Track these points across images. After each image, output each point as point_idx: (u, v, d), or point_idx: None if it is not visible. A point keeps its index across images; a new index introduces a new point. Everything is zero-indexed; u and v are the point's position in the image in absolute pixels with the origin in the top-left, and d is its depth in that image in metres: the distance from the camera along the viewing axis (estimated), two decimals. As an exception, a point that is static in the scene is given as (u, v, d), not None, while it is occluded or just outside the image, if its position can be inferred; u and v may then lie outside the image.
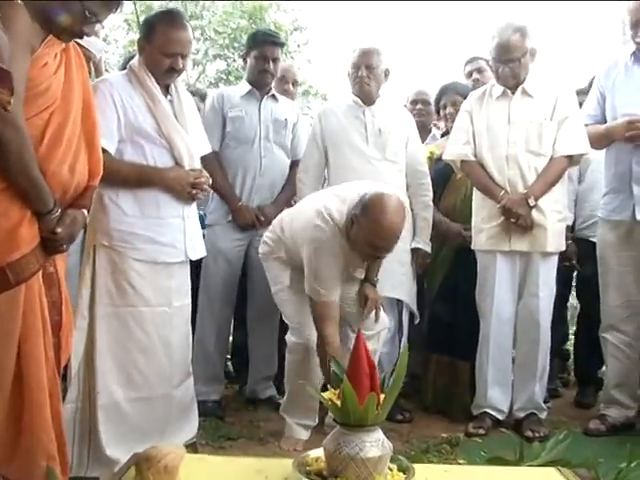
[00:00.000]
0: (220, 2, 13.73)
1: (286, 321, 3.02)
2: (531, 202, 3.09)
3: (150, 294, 2.61)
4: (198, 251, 2.82)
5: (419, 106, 4.00)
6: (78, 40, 2.65)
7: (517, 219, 3.10)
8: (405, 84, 4.47)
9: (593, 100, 3.28)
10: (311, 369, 2.85)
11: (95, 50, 2.90)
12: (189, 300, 2.80)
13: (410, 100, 4.07)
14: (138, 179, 2.60)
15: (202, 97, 3.87)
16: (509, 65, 3.13)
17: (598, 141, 3.18)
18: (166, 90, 2.70)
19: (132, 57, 2.97)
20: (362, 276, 3.01)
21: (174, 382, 2.71)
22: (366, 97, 3.34)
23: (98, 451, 2.51)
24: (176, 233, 2.68)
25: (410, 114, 3.58)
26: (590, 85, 3.41)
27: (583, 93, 3.43)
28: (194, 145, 2.74)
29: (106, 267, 2.55)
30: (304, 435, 2.97)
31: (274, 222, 3.07)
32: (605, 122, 3.20)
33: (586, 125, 3.19)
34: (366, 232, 2.57)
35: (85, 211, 2.14)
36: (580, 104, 3.28)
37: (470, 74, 4.01)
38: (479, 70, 3.88)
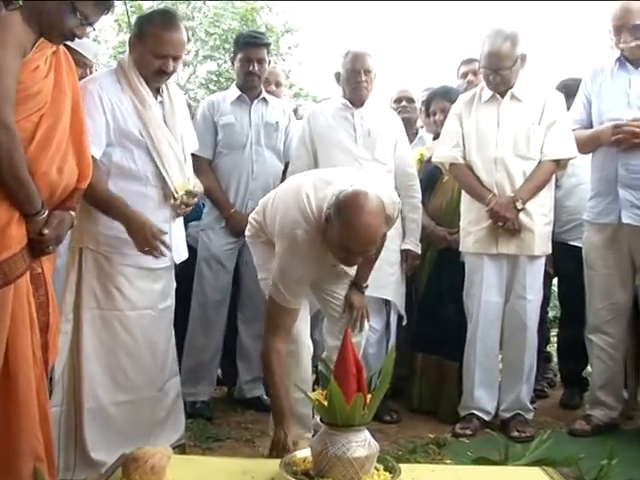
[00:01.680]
0: (211, 3, 13.73)
1: None
2: (519, 205, 3.12)
3: (136, 298, 2.60)
4: (181, 254, 2.81)
5: (403, 103, 4.01)
6: (73, 45, 2.67)
7: (504, 222, 3.12)
8: (392, 85, 4.50)
9: (579, 105, 3.31)
10: (302, 368, 2.73)
11: (90, 55, 2.86)
12: (172, 301, 2.80)
13: (394, 99, 4.08)
14: (106, 208, 2.49)
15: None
16: (500, 73, 3.15)
17: (585, 145, 3.21)
18: (157, 91, 2.66)
19: None
20: (352, 272, 2.88)
21: (159, 384, 2.71)
22: (360, 100, 3.35)
23: (84, 454, 2.51)
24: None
25: (397, 116, 3.59)
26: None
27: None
28: (183, 150, 2.69)
29: (92, 270, 2.53)
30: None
31: (261, 202, 2.84)
32: (591, 127, 3.23)
33: (573, 130, 3.22)
34: (339, 234, 2.28)
35: (73, 213, 2.14)
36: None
37: (465, 75, 4.03)
38: (474, 72, 3.88)
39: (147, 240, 2.50)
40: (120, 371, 2.59)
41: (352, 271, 2.88)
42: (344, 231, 2.26)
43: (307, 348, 2.74)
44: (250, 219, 2.87)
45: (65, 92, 2.08)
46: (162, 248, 2.54)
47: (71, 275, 2.53)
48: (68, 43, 2.56)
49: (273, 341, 2.47)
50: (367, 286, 2.89)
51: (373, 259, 2.81)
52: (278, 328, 2.49)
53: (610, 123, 3.10)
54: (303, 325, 2.73)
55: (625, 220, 3.08)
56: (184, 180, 2.67)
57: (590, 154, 3.27)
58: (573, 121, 3.27)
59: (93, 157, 2.35)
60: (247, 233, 2.89)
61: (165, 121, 2.65)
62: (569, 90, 3.41)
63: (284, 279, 2.46)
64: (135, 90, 2.58)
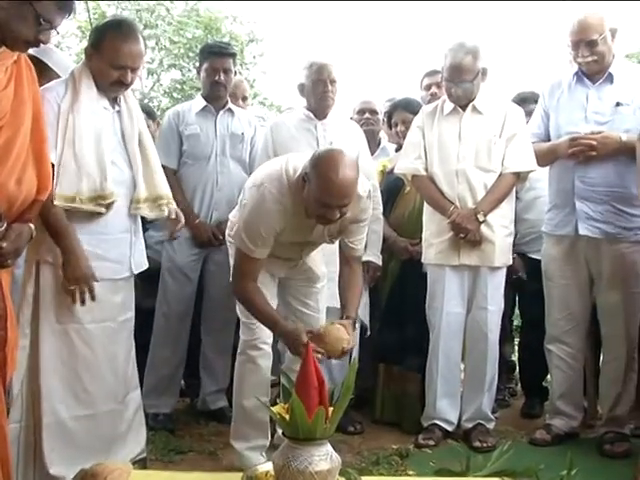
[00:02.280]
0: (175, 11, 13.68)
1: (239, 315, 2.87)
2: (480, 217, 3.16)
3: (96, 310, 2.55)
4: (141, 264, 2.77)
5: (367, 115, 4.00)
6: (48, 62, 2.63)
7: (466, 234, 3.16)
8: (354, 96, 4.51)
9: (537, 118, 3.37)
10: (260, 374, 2.79)
11: (60, 70, 2.82)
12: (132, 313, 2.77)
13: (357, 110, 4.07)
14: (60, 230, 2.45)
15: (149, 115, 3.81)
16: (461, 87, 3.20)
17: (543, 158, 3.27)
18: (114, 100, 2.63)
19: None
20: (321, 276, 2.93)
21: (119, 397, 2.67)
22: (325, 110, 3.36)
23: (43, 470, 2.45)
24: (123, 248, 2.64)
25: (359, 127, 3.61)
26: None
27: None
28: (144, 161, 2.66)
29: (51, 284, 2.48)
30: (258, 460, 2.70)
31: (240, 201, 2.91)
32: (549, 140, 3.29)
33: (531, 143, 3.27)
34: (316, 189, 2.39)
35: (32, 225, 2.11)
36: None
37: (429, 87, 4.02)
38: (438, 84, 3.88)
39: (77, 279, 2.46)
40: (79, 385, 2.54)
41: (322, 275, 2.93)
42: (321, 183, 2.38)
43: (267, 356, 2.80)
44: (230, 217, 2.97)
45: (25, 102, 2.04)
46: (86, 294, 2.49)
47: (28, 288, 2.48)
48: (44, 59, 2.61)
49: (241, 284, 2.61)
50: (357, 316, 2.86)
51: (358, 280, 2.84)
52: (244, 275, 2.61)
53: (567, 136, 3.16)
54: (265, 333, 2.76)
55: (582, 232, 3.14)
56: (130, 190, 2.62)
57: (548, 167, 3.33)
58: (531, 134, 3.32)
59: (53, 166, 2.33)
60: (227, 232, 2.97)
61: (122, 130, 2.63)
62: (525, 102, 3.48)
63: (247, 230, 2.57)
64: (74, 99, 2.52)
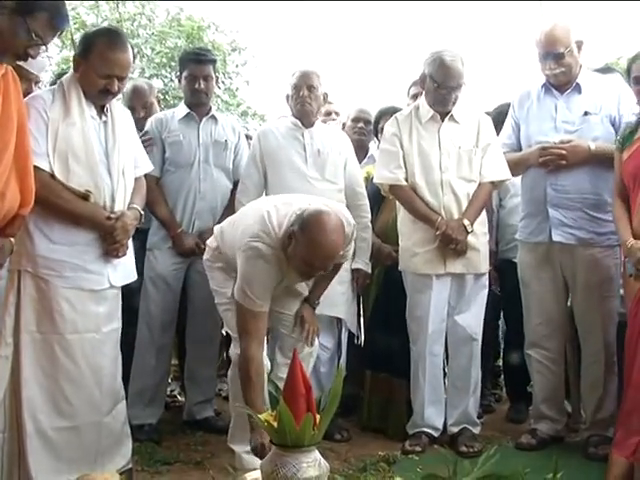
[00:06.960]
0: (157, 21, 13.68)
1: (229, 332, 2.91)
2: (469, 227, 3.18)
3: (78, 321, 2.55)
4: (126, 277, 2.76)
5: (360, 124, 4.00)
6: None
7: (456, 245, 3.17)
8: (342, 105, 4.53)
9: (508, 129, 3.41)
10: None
11: (35, 70, 2.82)
12: (119, 324, 2.75)
13: (352, 117, 4.06)
14: (79, 215, 2.53)
15: None
16: (456, 92, 3.20)
17: (515, 167, 3.30)
18: (101, 110, 2.64)
19: (62, 74, 2.90)
20: (305, 292, 2.96)
21: (103, 409, 2.65)
22: (306, 118, 3.37)
23: (29, 481, 2.43)
24: (103, 260, 2.63)
25: (347, 135, 3.62)
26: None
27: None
28: (122, 172, 2.67)
29: (31, 294, 2.48)
30: (256, 463, 2.68)
31: (215, 229, 2.98)
32: (520, 150, 3.34)
33: (503, 153, 3.31)
34: (303, 250, 2.49)
35: (12, 239, 2.10)
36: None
37: (415, 96, 3.92)
38: None
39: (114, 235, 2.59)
40: (60, 396, 2.52)
41: (305, 292, 2.97)
42: (309, 247, 2.48)
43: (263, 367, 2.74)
44: (208, 243, 2.98)
45: (12, 118, 2.04)
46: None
47: (10, 298, 2.47)
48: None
49: (249, 349, 2.58)
50: (318, 303, 2.99)
51: (330, 277, 2.93)
52: (251, 334, 2.60)
53: (538, 145, 3.20)
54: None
55: (555, 238, 3.17)
56: (110, 201, 2.63)
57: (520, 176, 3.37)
58: (503, 145, 3.37)
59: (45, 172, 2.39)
60: (206, 256, 2.97)
61: (106, 141, 2.63)
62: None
63: (249, 283, 2.60)
64: (64, 109, 2.54)
